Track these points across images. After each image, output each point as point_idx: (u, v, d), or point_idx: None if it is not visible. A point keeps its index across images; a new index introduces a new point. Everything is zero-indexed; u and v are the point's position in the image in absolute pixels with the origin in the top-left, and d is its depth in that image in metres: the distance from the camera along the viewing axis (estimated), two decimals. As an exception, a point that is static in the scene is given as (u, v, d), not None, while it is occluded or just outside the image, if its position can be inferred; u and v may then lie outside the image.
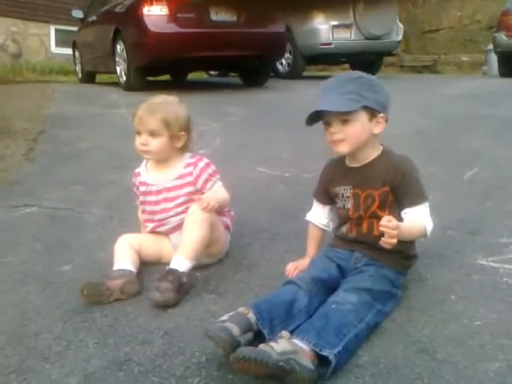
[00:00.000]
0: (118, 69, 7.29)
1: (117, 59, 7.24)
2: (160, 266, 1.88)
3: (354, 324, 1.38)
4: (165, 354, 1.40)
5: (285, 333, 1.32)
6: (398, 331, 1.47)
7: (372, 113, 1.61)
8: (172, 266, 1.77)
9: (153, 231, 2.01)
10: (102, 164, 3.58)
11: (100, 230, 2.39)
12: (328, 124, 1.63)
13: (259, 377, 1.25)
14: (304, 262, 1.81)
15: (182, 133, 1.94)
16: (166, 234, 2.00)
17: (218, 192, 1.92)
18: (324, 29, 8.55)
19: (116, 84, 7.60)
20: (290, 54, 8.95)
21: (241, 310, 1.41)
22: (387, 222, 1.46)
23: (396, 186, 1.62)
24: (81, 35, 9.51)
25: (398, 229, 1.46)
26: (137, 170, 2.06)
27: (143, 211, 2.04)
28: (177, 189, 1.95)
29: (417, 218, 1.61)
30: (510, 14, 8.92)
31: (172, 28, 6.36)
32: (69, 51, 10.77)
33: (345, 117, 1.59)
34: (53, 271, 1.96)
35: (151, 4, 6.37)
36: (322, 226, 1.86)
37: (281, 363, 1.20)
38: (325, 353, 1.26)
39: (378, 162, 1.67)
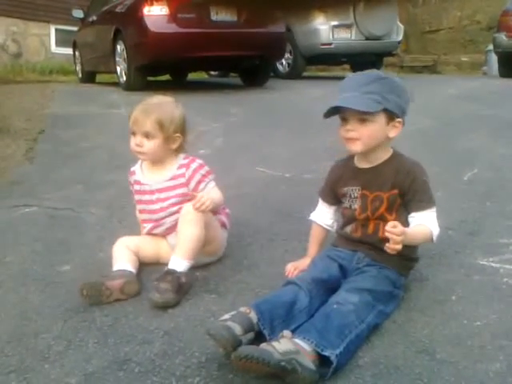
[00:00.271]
0: (118, 69, 7.29)
1: (117, 59, 7.24)
2: (159, 267, 1.88)
3: (356, 324, 1.38)
4: (165, 354, 1.40)
5: (287, 332, 1.32)
6: (398, 331, 1.47)
7: (391, 116, 1.61)
8: (170, 266, 1.77)
9: (149, 233, 2.01)
10: (102, 164, 3.58)
11: (100, 229, 2.39)
12: (345, 120, 1.62)
13: (260, 376, 1.25)
14: (304, 262, 1.81)
15: (177, 134, 1.93)
16: (163, 235, 2.00)
17: (211, 192, 1.91)
18: (324, 29, 8.55)
19: (116, 84, 7.60)
20: (291, 54, 8.95)
21: (242, 309, 1.41)
22: (392, 227, 1.45)
23: (405, 189, 1.62)
24: (81, 35, 9.51)
25: (403, 235, 1.45)
26: (132, 169, 2.06)
27: (140, 211, 2.04)
28: (168, 190, 1.95)
29: (424, 223, 1.60)
30: (510, 15, 8.91)
31: (172, 28, 6.36)
32: (69, 51, 10.78)
33: (364, 116, 1.58)
34: (53, 271, 1.96)
35: (151, 4, 6.37)
36: (326, 227, 1.86)
37: (283, 363, 1.20)
38: (326, 353, 1.26)
39: (388, 165, 1.67)
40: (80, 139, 4.38)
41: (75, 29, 10.28)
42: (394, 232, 1.44)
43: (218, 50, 6.39)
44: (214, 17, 6.50)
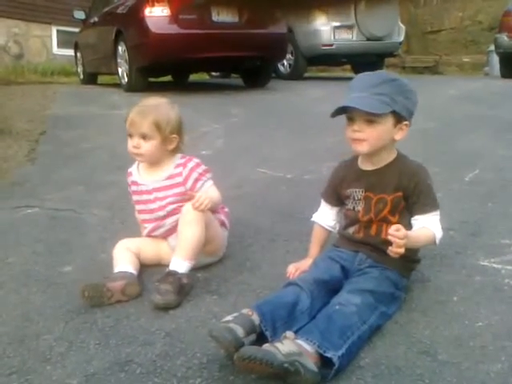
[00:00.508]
0: (119, 70, 7.30)
1: (118, 60, 7.24)
2: (160, 268, 1.88)
3: (358, 326, 1.38)
4: (166, 355, 1.40)
5: (289, 333, 1.31)
6: (399, 332, 1.47)
7: (398, 118, 1.60)
8: (171, 267, 1.77)
9: (150, 235, 2.02)
10: (103, 165, 3.59)
11: (101, 230, 2.39)
12: (351, 120, 1.61)
13: (262, 377, 1.25)
14: (305, 263, 1.81)
15: (174, 135, 1.94)
16: (164, 237, 2.00)
17: (208, 191, 1.92)
18: (325, 30, 8.55)
19: (118, 85, 7.61)
20: (292, 54, 8.95)
21: (245, 311, 1.41)
22: (395, 231, 1.44)
23: (409, 192, 1.62)
24: (82, 36, 9.52)
25: (406, 238, 1.45)
26: (129, 170, 2.07)
27: (139, 211, 2.05)
28: (166, 189, 1.95)
29: (427, 226, 1.60)
30: (512, 15, 8.91)
31: (173, 29, 6.37)
32: (70, 52, 10.78)
33: (371, 117, 1.57)
34: (54, 272, 1.96)
35: (153, 5, 6.37)
36: (328, 228, 1.86)
37: (286, 364, 1.20)
38: (329, 355, 1.26)
39: (393, 167, 1.66)
40: (81, 140, 4.39)
41: (77, 30, 10.29)
42: (397, 235, 1.44)
43: (219, 50, 6.39)
44: (215, 18, 6.50)
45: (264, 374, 1.24)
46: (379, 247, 1.60)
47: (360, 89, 1.59)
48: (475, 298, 1.66)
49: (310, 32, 8.56)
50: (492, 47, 9.90)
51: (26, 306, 1.71)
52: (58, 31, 13.88)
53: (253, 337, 1.36)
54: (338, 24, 8.53)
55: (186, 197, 1.88)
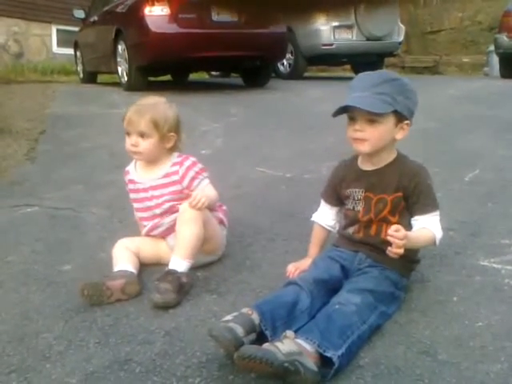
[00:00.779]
0: (119, 69, 7.29)
1: (118, 59, 7.23)
2: (160, 267, 1.88)
3: (358, 326, 1.38)
4: (166, 354, 1.40)
5: (290, 333, 1.31)
6: (399, 332, 1.47)
7: (399, 118, 1.60)
8: (171, 266, 1.77)
9: (148, 235, 2.02)
10: (102, 164, 3.58)
11: (101, 229, 2.39)
12: (352, 119, 1.61)
13: (261, 376, 1.25)
14: (305, 263, 1.80)
15: (172, 133, 1.95)
16: (162, 236, 2.00)
17: (205, 190, 1.92)
18: (325, 29, 8.55)
19: (117, 84, 7.60)
20: (292, 54, 8.95)
21: (244, 310, 1.40)
22: (395, 231, 1.44)
23: (409, 192, 1.62)
24: (82, 35, 9.51)
25: (405, 238, 1.45)
26: (126, 168, 2.08)
27: (137, 209, 2.05)
28: (162, 187, 1.96)
29: (427, 226, 1.60)
30: (512, 15, 8.91)
31: (173, 28, 6.36)
32: (70, 51, 10.77)
33: (373, 117, 1.57)
34: (53, 271, 1.96)
35: (152, 4, 6.37)
36: (328, 228, 1.86)
37: (286, 364, 1.20)
38: (328, 354, 1.26)
39: (393, 167, 1.66)
40: (81, 139, 4.39)
41: (76, 29, 10.28)
42: (397, 236, 1.44)
43: (219, 50, 6.39)
44: (214, 17, 6.49)
45: (264, 374, 1.24)
46: (379, 247, 1.60)
47: (361, 88, 1.59)
48: (475, 298, 1.66)
49: (310, 32, 8.55)
50: (492, 47, 9.90)
51: (25, 305, 1.70)
52: (57, 30, 13.87)
53: (252, 336, 1.36)
54: (337, 24, 8.53)
55: (183, 195, 1.88)
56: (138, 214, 2.05)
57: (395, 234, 1.44)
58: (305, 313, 1.46)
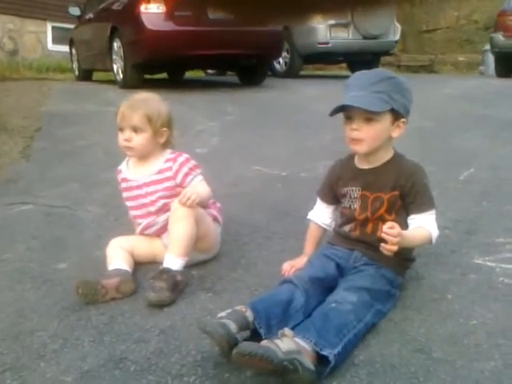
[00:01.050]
0: (114, 67, 7.27)
1: (114, 57, 7.21)
2: (155, 265, 1.88)
3: (354, 324, 1.38)
4: (161, 353, 1.39)
5: (288, 331, 1.31)
6: (394, 330, 1.48)
7: (396, 116, 1.60)
8: (165, 265, 1.77)
9: (142, 233, 2.01)
10: (98, 162, 3.57)
11: (96, 227, 2.38)
12: (349, 118, 1.61)
13: (257, 374, 1.25)
14: (300, 261, 1.81)
15: (165, 129, 1.95)
16: (157, 235, 2.00)
17: (198, 186, 1.92)
18: (321, 28, 8.55)
19: (113, 82, 7.58)
20: (288, 52, 8.94)
21: (238, 307, 1.41)
22: (389, 228, 1.45)
23: (405, 191, 1.62)
24: (78, 33, 9.47)
25: (400, 236, 1.45)
26: (119, 167, 2.07)
27: (131, 207, 2.04)
28: (156, 183, 1.96)
29: (423, 225, 1.61)
30: (507, 15, 8.94)
31: (169, 26, 6.34)
32: (66, 49, 10.72)
33: (370, 115, 1.57)
34: (49, 269, 1.95)
35: (148, 2, 6.35)
36: (324, 226, 1.86)
37: (285, 362, 1.20)
38: (325, 353, 1.26)
39: (390, 166, 1.66)
40: (76, 137, 4.37)
41: (72, 26, 10.24)
42: (391, 233, 1.44)
43: (215, 48, 6.37)
44: (211, 15, 6.47)
45: (262, 371, 1.24)
46: (375, 245, 1.60)
47: (358, 87, 1.59)
48: (470, 296, 1.67)
49: (306, 30, 8.55)
50: (487, 46, 9.93)
51: (20, 303, 1.70)
52: (53, 27, 13.81)
53: (246, 333, 1.37)
54: (333, 22, 8.52)
55: (177, 192, 1.88)
56: (133, 213, 2.05)
57: (389, 230, 1.44)
58: (299, 311, 1.47)
